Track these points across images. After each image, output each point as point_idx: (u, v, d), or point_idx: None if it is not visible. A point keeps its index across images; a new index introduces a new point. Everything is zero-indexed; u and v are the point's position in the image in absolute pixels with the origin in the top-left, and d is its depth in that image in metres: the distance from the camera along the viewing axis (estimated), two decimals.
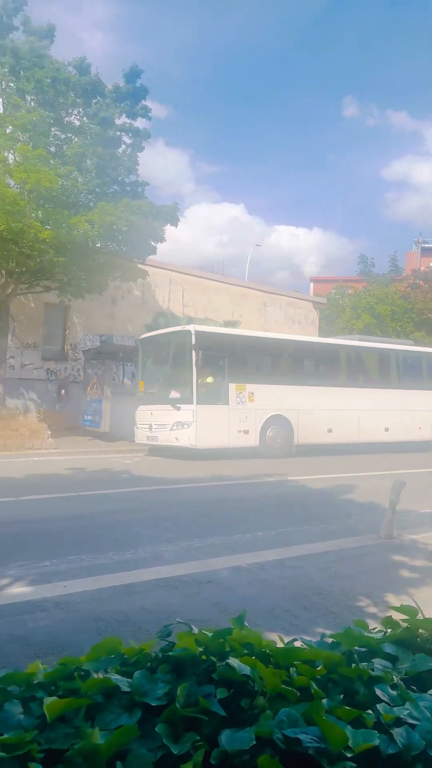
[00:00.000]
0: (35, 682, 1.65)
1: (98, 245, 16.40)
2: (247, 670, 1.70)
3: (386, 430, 16.67)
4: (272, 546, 5.65)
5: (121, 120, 17.69)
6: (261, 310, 25.98)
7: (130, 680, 1.64)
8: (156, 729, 1.45)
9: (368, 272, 37.90)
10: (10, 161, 15.06)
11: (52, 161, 15.22)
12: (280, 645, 1.97)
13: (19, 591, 4.18)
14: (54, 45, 17.44)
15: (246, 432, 14.02)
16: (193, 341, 13.46)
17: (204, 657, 1.74)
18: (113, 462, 12.53)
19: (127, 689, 1.60)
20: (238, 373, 14.23)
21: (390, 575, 4.82)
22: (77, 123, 17.22)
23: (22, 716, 1.44)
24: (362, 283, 37.55)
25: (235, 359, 14.34)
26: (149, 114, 18.12)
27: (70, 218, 14.87)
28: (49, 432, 15.91)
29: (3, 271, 16.02)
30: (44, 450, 14.42)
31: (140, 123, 18.15)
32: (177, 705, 1.50)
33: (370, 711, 1.58)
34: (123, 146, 17.79)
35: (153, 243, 17.52)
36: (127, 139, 17.89)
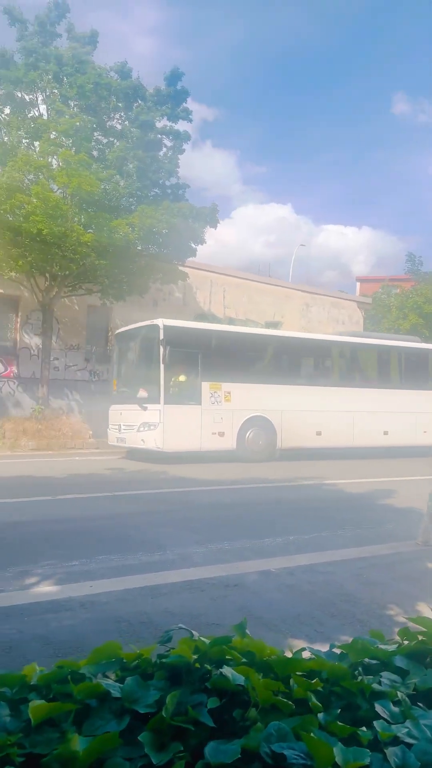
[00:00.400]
0: (30, 684, 1.65)
1: (139, 248, 16.58)
2: (241, 679, 1.66)
3: (385, 433, 15.50)
4: (303, 550, 5.58)
5: (162, 123, 17.85)
6: (303, 311, 25.76)
7: (122, 686, 1.63)
8: (139, 737, 1.43)
9: (416, 271, 36.96)
10: (54, 166, 15.38)
11: (93, 165, 15.46)
12: (288, 654, 1.92)
13: (46, 590, 4.23)
14: (103, 51, 17.84)
15: (221, 434, 13.17)
16: (161, 336, 12.66)
17: (198, 665, 1.71)
18: (150, 462, 12.62)
19: (118, 695, 1.59)
20: (213, 370, 13.32)
21: (424, 584, 4.68)
22: (119, 127, 17.46)
23: (8, 719, 1.44)
24: (410, 283, 36.71)
25: (210, 356, 13.44)
26: (190, 116, 18.23)
27: (111, 221, 15.07)
28: (91, 432, 16.17)
29: (47, 275, 16.37)
30: (85, 450, 14.67)
31: (181, 126, 18.28)
32: (164, 714, 1.48)
33: (364, 728, 1.52)
34: (164, 149, 17.95)
35: (193, 245, 17.59)
36: (167, 142, 18.04)
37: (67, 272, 15.89)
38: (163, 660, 1.72)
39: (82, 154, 14.99)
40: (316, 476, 11.15)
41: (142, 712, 1.53)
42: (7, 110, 16.60)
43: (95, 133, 17.18)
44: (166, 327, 12.78)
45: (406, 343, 17.71)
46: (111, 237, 15.01)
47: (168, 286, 19.68)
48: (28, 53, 16.36)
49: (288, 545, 5.75)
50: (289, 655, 1.91)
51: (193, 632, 1.97)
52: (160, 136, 17.79)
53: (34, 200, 14.11)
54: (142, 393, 12.82)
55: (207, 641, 1.82)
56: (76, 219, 15.12)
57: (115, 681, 1.70)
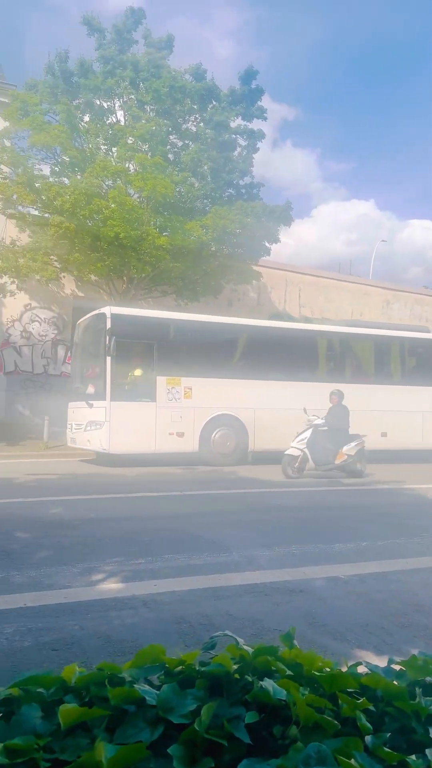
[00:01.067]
0: (69, 685, 1.63)
1: (212, 249, 16.65)
2: (282, 693, 1.56)
3: (383, 435, 13.69)
4: (376, 557, 5.36)
5: (236, 123, 17.84)
6: (384, 309, 25.05)
7: (159, 693, 1.58)
8: (169, 750, 1.37)
9: None
10: (131, 171, 15.70)
11: (168, 169, 15.67)
12: (343, 668, 1.81)
13: (111, 587, 4.27)
14: (182, 56, 18.12)
15: (180, 435, 11.93)
16: (108, 325, 11.50)
17: (237, 675, 1.63)
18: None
19: (153, 703, 1.53)
20: (171, 364, 12.06)
21: None
22: (194, 129, 17.61)
23: (39, 721, 1.42)
24: None
25: (168, 348, 12.18)
26: (264, 115, 18.11)
27: (185, 224, 15.22)
28: None
29: (124, 278, 16.75)
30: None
31: (256, 124, 18.19)
32: (196, 726, 1.41)
33: (414, 756, 1.40)
34: (238, 149, 17.93)
35: (267, 244, 17.48)
36: (242, 141, 18.01)
37: (143, 275, 16.19)
38: (202, 668, 1.66)
39: (157, 158, 15.23)
40: (389, 480, 10.77)
41: (175, 722, 1.47)
42: (86, 118, 17.13)
43: (170, 136, 17.42)
44: (113, 316, 11.69)
45: (410, 333, 15.65)
46: (185, 239, 15.16)
47: (242, 286, 19.67)
48: (105, 61, 16.81)
49: (359, 551, 5.55)
50: (344, 668, 1.80)
51: (239, 639, 1.89)
52: (234, 136, 17.80)
53: (112, 205, 14.46)
54: (90, 389, 11.96)
55: (251, 650, 1.74)
56: (152, 222, 15.37)
57: (155, 687, 1.66)
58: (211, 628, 3.64)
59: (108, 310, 11.82)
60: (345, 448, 10.93)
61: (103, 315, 11.71)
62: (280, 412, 12.64)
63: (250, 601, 4.10)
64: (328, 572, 4.82)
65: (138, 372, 11.93)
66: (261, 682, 1.59)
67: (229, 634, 1.96)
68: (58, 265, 15.90)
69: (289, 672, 1.70)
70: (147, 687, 1.63)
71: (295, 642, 1.86)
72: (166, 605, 3.97)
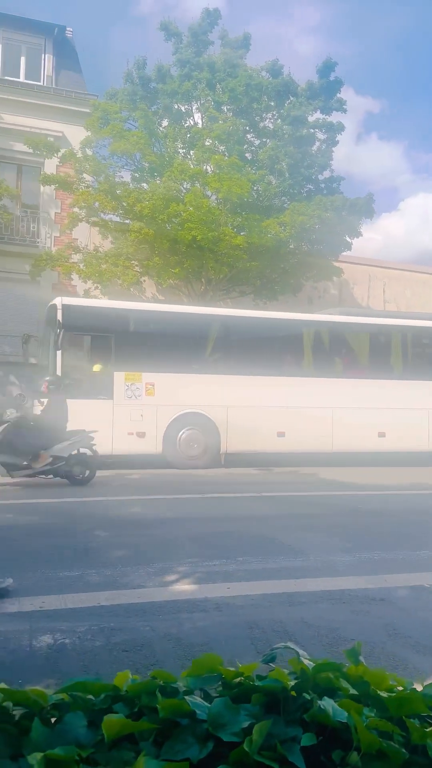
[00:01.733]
0: (120, 693, 1.58)
1: (291, 246, 16.43)
2: (343, 715, 1.44)
3: (381, 435, 12.24)
4: None
5: (314, 117, 17.51)
6: None
7: (210, 706, 1.49)
8: None
9: None
10: (209, 172, 15.77)
11: (245, 168, 15.61)
12: (418, 687, 1.66)
13: (184, 588, 4.24)
14: (262, 55, 17.98)
15: (141, 435, 10.97)
16: (59, 317, 10.72)
17: (294, 693, 1.52)
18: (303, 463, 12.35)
19: (204, 717, 1.45)
20: (130, 358, 11.11)
21: None
22: (271, 126, 17.45)
23: (83, 730, 1.37)
24: None
25: (127, 341, 11.29)
26: (344, 107, 17.68)
27: (261, 222, 15.10)
28: None
29: (202, 279, 16.85)
30: None
31: (335, 117, 17.77)
32: (245, 747, 1.31)
33: None
34: (317, 143, 17.60)
35: (348, 239, 17.04)
36: (320, 135, 17.66)
37: (220, 276, 16.22)
38: (257, 683, 1.56)
39: (233, 158, 15.21)
40: None
41: (225, 740, 1.38)
42: (164, 123, 17.39)
43: (248, 135, 17.36)
44: (65, 307, 10.91)
45: (413, 321, 13.82)
46: (262, 238, 15.04)
47: (323, 283, 19.28)
48: (182, 65, 16.99)
49: None
50: (418, 687, 1.65)
51: (300, 652, 1.77)
52: (312, 130, 17.48)
53: (190, 208, 14.58)
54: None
55: (310, 665, 1.62)
56: (228, 223, 15.37)
57: (211, 699, 1.58)
58: (284, 635, 3.53)
59: (59, 301, 11.12)
60: (55, 448, 8.98)
61: (54, 306, 11.05)
62: (260, 411, 11.62)
63: (326, 608, 3.94)
64: (412, 581, 4.57)
65: (98, 367, 11.18)
66: (320, 702, 1.47)
67: (291, 646, 1.85)
68: (138, 270, 16.23)
69: (353, 691, 1.57)
70: (199, 700, 1.55)
71: (362, 657, 1.72)
72: (239, 609, 3.89)
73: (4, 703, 1.50)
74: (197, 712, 1.48)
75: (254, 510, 7.07)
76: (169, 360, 11.35)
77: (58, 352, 10.62)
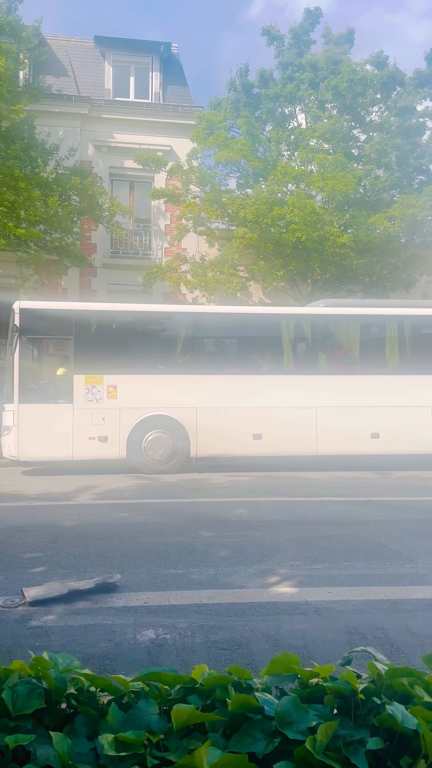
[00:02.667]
0: (195, 686, 1.64)
1: (402, 240, 15.85)
2: (413, 723, 1.42)
3: (374, 436, 10.98)
4: None
5: (423, 105, 16.81)
6: None
7: (278, 703, 1.52)
8: (275, 766, 1.31)
9: None
10: (314, 172, 15.61)
11: (350, 164, 15.29)
12: None
13: (284, 590, 4.25)
14: (369, 46, 17.61)
15: (104, 439, 10.57)
16: (16, 321, 10.43)
17: (362, 696, 1.51)
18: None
19: (271, 714, 1.49)
20: (90, 360, 10.70)
21: None
22: (377, 119, 16.97)
23: (155, 717, 1.45)
24: None
25: (87, 343, 10.81)
26: None
27: (368, 218, 14.72)
28: None
29: (309, 281, 16.69)
30: None
31: None
32: (307, 745, 1.33)
33: None
34: (427, 132, 16.88)
35: None
36: (431, 124, 16.92)
37: (327, 275, 15.99)
38: (326, 684, 1.56)
39: (338, 154, 14.95)
40: None
41: (290, 737, 1.41)
42: (268, 127, 17.45)
43: (353, 131, 16.99)
44: (22, 311, 10.58)
45: (408, 310, 12.11)
46: (369, 234, 14.65)
47: None
48: (284, 67, 16.97)
49: None
50: None
51: (378, 656, 1.75)
52: (422, 119, 16.79)
53: (295, 210, 14.51)
54: (7, 389, 10.89)
55: (383, 670, 1.60)
56: (334, 221, 15.12)
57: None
58: (386, 643, 3.45)
59: (17, 304, 10.81)
60: None
61: (12, 311, 10.75)
62: (233, 412, 10.85)
63: None
64: None
65: (61, 371, 10.91)
66: (389, 706, 1.46)
67: (369, 650, 1.83)
68: (244, 275, 16.37)
69: (428, 698, 1.53)
70: (269, 697, 1.58)
71: None
72: (339, 614, 3.84)
73: (90, 688, 1.62)
74: (266, 708, 1.52)
75: (363, 515, 6.90)
76: (131, 361, 10.96)
77: (15, 357, 10.54)
